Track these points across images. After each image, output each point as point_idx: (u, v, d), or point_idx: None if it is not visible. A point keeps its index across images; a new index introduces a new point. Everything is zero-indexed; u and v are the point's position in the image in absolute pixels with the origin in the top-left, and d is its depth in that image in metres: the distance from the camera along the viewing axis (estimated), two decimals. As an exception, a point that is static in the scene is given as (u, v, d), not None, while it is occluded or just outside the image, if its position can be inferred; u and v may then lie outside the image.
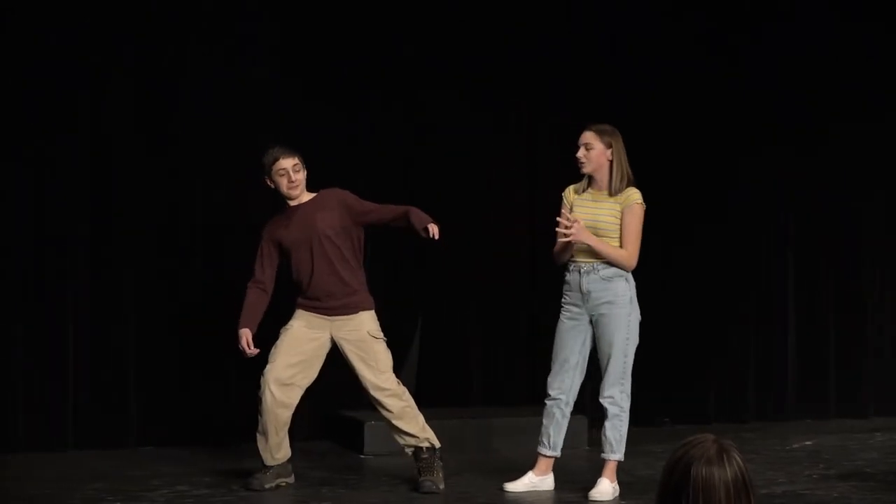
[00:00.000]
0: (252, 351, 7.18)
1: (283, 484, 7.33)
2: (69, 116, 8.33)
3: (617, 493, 7.15)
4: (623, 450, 7.18)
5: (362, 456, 8.34)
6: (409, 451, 7.30)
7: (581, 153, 7.14)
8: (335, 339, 7.25)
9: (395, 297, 8.96)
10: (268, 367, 7.19)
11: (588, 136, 7.14)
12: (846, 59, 9.84)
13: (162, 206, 8.54)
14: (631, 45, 9.38)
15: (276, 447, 7.26)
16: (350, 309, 7.24)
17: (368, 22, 8.92)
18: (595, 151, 7.12)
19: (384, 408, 7.25)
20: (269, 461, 7.26)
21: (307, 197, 7.33)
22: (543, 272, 9.11)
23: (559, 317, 7.23)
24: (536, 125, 9.35)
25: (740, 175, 9.66)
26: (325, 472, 7.76)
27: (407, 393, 7.32)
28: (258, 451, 7.25)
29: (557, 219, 7.09)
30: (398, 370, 8.67)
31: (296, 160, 7.28)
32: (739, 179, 9.66)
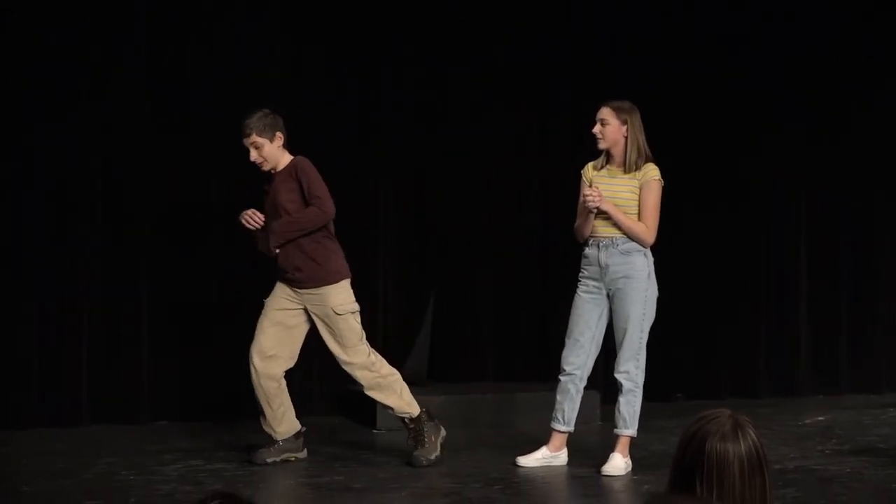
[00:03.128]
0: (255, 219, 7.20)
1: (293, 459, 7.34)
2: (75, 104, 8.32)
3: (629, 469, 7.16)
4: (636, 425, 7.18)
5: (374, 431, 8.35)
6: (407, 423, 7.33)
7: (597, 129, 7.15)
8: (308, 311, 7.26)
9: (408, 274, 8.98)
10: (252, 342, 7.25)
11: (604, 112, 7.15)
12: (855, 43, 9.86)
13: (174, 188, 8.55)
14: (631, 45, 9.35)
15: (276, 420, 7.28)
16: (314, 282, 7.21)
17: (376, 17, 8.91)
18: (610, 128, 7.12)
19: (356, 380, 7.31)
20: (273, 435, 7.30)
21: (284, 164, 7.26)
22: (555, 249, 9.13)
23: (576, 291, 7.23)
24: (547, 111, 9.32)
25: (741, 174, 9.64)
26: (338, 448, 7.77)
27: (380, 363, 7.28)
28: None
29: (583, 193, 7.10)
30: (409, 347, 8.72)
31: (252, 138, 7.18)
32: (740, 177, 9.65)
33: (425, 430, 7.27)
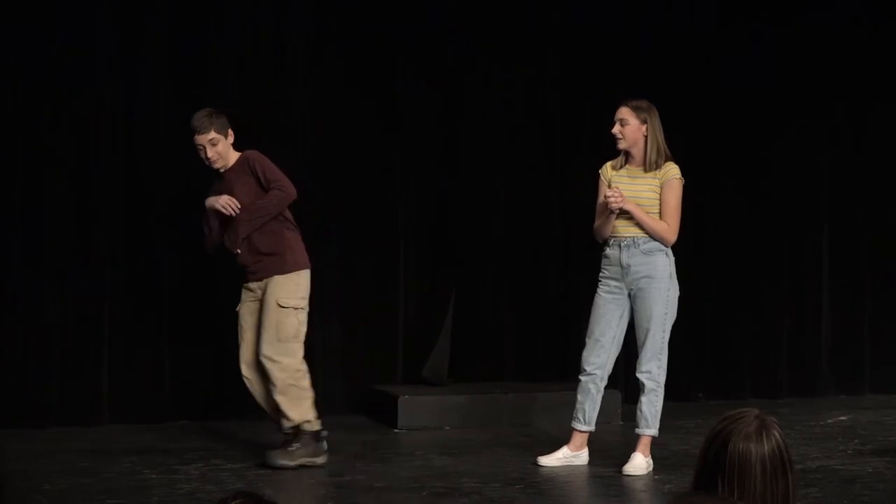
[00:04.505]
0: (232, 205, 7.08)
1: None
2: (97, 102, 8.38)
3: (650, 469, 7.15)
4: (658, 425, 7.17)
5: (396, 430, 8.35)
6: (286, 428, 7.10)
7: (616, 129, 7.14)
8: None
9: (429, 274, 8.97)
10: (239, 355, 7.21)
11: (623, 112, 7.13)
12: (882, 40, 9.81)
13: (195, 187, 8.57)
14: (649, 44, 9.35)
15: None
16: (267, 272, 7.11)
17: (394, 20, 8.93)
18: (630, 127, 7.11)
19: (270, 379, 7.05)
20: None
21: (233, 160, 7.17)
22: (576, 248, 9.11)
23: (597, 291, 7.22)
24: (567, 110, 9.31)
25: (762, 172, 9.60)
26: (359, 447, 7.77)
27: (303, 375, 7.07)
28: None
29: (605, 194, 7.09)
30: (430, 347, 8.69)
31: (211, 135, 7.05)
32: (761, 176, 9.61)
33: (300, 442, 7.04)
